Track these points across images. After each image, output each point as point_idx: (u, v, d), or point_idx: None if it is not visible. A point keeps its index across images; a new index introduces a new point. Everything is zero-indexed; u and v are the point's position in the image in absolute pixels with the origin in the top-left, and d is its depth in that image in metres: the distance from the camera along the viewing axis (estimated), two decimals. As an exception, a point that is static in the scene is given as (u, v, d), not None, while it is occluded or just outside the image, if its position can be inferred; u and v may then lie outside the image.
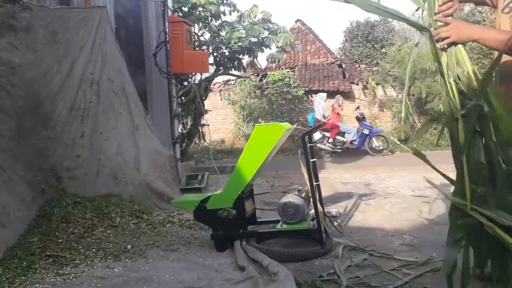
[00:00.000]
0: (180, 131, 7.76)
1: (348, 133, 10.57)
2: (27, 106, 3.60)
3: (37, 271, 2.70)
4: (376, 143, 10.42)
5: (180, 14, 7.84)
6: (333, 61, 15.77)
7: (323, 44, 16.83)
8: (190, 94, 7.76)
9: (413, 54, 1.96)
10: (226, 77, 14.32)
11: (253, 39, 8.38)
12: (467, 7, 16.52)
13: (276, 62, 10.55)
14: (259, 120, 13.58)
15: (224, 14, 8.36)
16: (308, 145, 3.19)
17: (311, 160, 3.18)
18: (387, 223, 3.80)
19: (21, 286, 2.49)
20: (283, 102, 13.56)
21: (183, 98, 7.91)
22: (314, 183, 3.13)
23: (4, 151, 3.25)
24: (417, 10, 1.88)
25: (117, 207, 3.90)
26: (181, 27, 5.88)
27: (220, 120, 14.74)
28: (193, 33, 7.01)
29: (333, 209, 4.22)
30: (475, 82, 1.67)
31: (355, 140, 10.56)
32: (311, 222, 3.18)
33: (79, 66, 4.20)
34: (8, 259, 2.77)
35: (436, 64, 1.78)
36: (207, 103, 11.00)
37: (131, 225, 3.66)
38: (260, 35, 8.33)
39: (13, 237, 2.99)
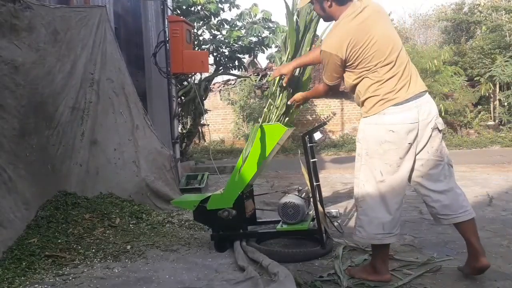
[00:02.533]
0: (180, 131, 7.75)
1: None
2: (30, 106, 3.60)
3: (37, 272, 2.69)
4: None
5: (179, 12, 7.83)
6: (333, 61, 15.74)
7: (323, 43, 16.81)
8: (190, 94, 7.74)
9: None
10: (226, 77, 14.31)
11: (253, 39, 8.36)
12: (466, 8, 16.52)
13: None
14: (259, 120, 13.55)
15: (223, 10, 8.34)
16: (308, 145, 3.18)
17: (311, 160, 3.17)
18: (388, 223, 3.79)
19: (21, 287, 2.49)
20: (283, 102, 13.53)
21: (183, 98, 7.90)
22: (315, 183, 3.11)
23: (5, 151, 3.25)
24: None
25: (117, 208, 3.90)
26: (180, 26, 5.86)
27: (220, 120, 14.74)
28: (193, 33, 7.00)
29: (333, 209, 4.21)
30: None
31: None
32: (311, 222, 3.17)
33: (80, 66, 4.20)
34: (7, 260, 2.77)
35: None
36: (207, 103, 10.99)
37: (130, 225, 3.66)
38: (260, 34, 8.32)
39: (12, 238, 2.99)
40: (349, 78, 2.45)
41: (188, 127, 8.77)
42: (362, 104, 2.44)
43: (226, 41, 8.17)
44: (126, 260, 2.94)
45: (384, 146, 2.34)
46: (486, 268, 2.37)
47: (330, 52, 2.37)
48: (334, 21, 2.51)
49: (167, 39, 6.00)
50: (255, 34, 8.24)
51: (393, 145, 2.33)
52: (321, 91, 2.68)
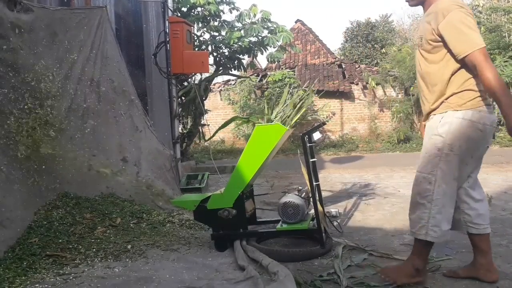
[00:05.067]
0: (180, 131, 7.76)
1: None
2: (28, 107, 3.60)
3: (38, 271, 2.70)
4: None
5: (180, 15, 7.83)
6: (333, 61, 15.77)
7: (323, 44, 16.83)
8: (190, 94, 7.76)
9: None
10: (226, 77, 14.32)
11: (253, 39, 8.36)
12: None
13: (276, 62, 10.53)
14: (259, 120, 13.56)
15: (223, 12, 8.35)
16: (308, 145, 3.19)
17: (311, 160, 3.18)
18: (387, 223, 3.81)
19: (21, 286, 2.49)
20: (283, 102, 13.54)
21: (183, 98, 7.91)
22: (314, 183, 3.13)
23: (4, 152, 3.26)
24: None
25: (118, 207, 3.90)
26: (181, 27, 5.87)
27: (220, 120, 14.72)
28: (193, 33, 7.01)
29: (333, 209, 4.22)
30: None
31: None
32: (311, 222, 3.18)
33: (79, 67, 4.20)
34: (8, 259, 2.78)
35: None
36: (207, 103, 11.00)
37: (131, 225, 3.67)
38: (259, 35, 8.32)
39: (13, 237, 3.00)
40: (448, 62, 2.24)
41: (189, 127, 8.78)
42: (452, 94, 2.26)
43: (226, 41, 8.18)
44: (127, 260, 2.95)
45: (469, 144, 2.25)
46: (497, 281, 2.38)
47: (465, 11, 2.17)
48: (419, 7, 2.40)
49: (168, 39, 6.01)
50: (254, 34, 8.24)
51: (476, 145, 2.26)
52: (486, 74, 2.08)
